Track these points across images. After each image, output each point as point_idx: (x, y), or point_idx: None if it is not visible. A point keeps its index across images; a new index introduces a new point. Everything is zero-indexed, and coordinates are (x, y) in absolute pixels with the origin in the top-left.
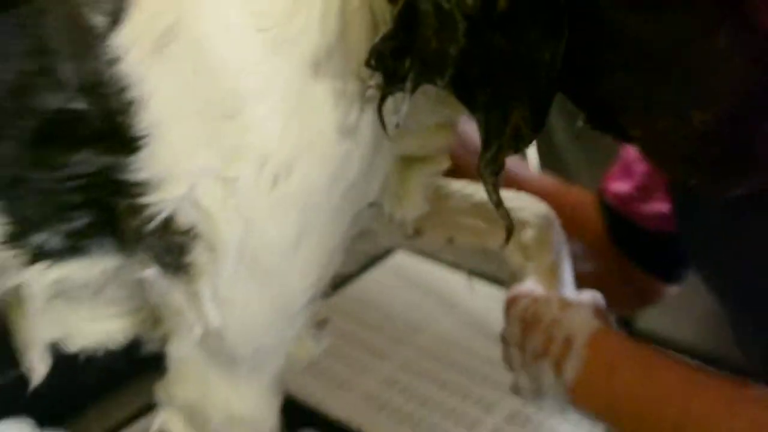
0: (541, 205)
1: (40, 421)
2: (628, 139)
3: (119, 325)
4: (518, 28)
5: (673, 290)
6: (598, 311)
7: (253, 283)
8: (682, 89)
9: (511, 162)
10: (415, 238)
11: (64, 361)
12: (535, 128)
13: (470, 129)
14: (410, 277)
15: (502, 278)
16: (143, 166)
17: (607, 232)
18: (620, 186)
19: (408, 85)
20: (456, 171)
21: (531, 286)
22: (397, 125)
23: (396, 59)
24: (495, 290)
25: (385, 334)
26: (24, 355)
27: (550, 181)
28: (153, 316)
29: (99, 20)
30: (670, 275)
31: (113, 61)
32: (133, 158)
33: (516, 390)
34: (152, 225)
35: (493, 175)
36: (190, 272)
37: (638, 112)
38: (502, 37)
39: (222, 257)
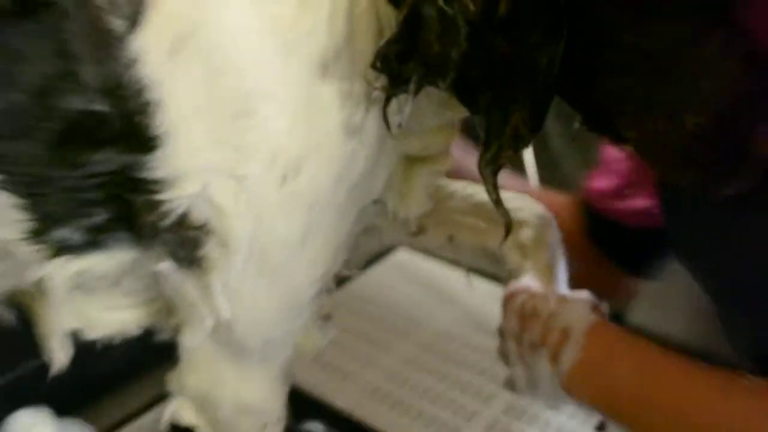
0: (538, 206)
1: (57, 410)
2: (624, 140)
3: (134, 316)
4: (518, 32)
5: (654, 284)
6: (594, 307)
7: (262, 277)
8: (675, 93)
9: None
10: (417, 235)
11: (80, 353)
12: (534, 129)
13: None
14: (412, 274)
15: (500, 276)
16: (160, 164)
17: (587, 233)
18: (603, 183)
19: (411, 87)
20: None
21: (528, 282)
22: (400, 125)
23: (400, 62)
24: (493, 287)
25: (387, 328)
26: (45, 344)
27: (526, 184)
28: (166, 307)
29: (118, 24)
30: (647, 271)
31: (131, 64)
32: (150, 157)
33: (510, 385)
34: (168, 220)
35: (493, 174)
36: (203, 266)
37: (633, 114)
38: (503, 42)
39: (233, 252)
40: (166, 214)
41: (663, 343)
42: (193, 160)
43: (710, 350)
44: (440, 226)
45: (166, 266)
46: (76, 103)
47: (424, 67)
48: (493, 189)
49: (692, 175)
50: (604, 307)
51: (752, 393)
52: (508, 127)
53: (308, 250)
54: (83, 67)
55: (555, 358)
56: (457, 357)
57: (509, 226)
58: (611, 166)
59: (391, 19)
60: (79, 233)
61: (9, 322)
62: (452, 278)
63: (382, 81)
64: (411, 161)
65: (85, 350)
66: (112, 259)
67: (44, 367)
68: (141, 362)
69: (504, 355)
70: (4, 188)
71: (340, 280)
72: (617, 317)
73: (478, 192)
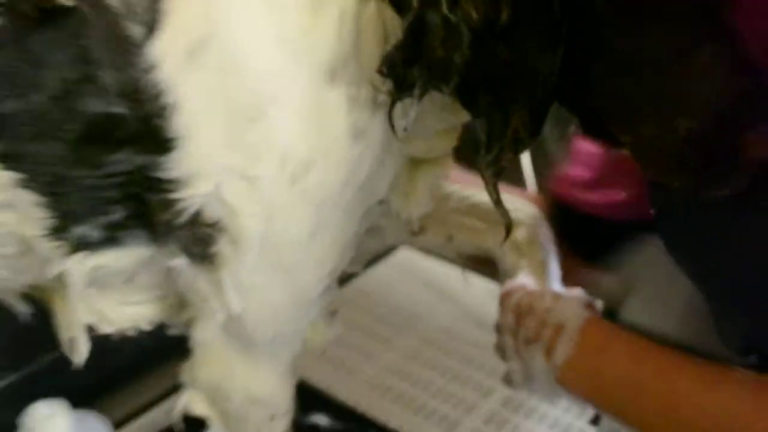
0: (532, 207)
1: (73, 402)
2: (619, 144)
3: (146, 311)
4: (519, 40)
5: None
6: (588, 304)
7: (272, 274)
8: (668, 99)
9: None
10: (417, 235)
11: (95, 346)
12: (534, 132)
13: None
14: (413, 272)
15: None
16: (175, 165)
17: (557, 230)
18: (576, 173)
19: (416, 91)
20: None
21: (524, 280)
22: (405, 129)
23: (406, 67)
24: (490, 285)
25: (389, 324)
26: (63, 338)
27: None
28: (178, 302)
29: (136, 30)
30: (608, 262)
31: (149, 69)
32: (166, 158)
33: (508, 381)
34: (182, 218)
35: (494, 176)
36: (215, 262)
37: (628, 119)
38: (504, 48)
39: (244, 249)
40: (180, 213)
41: (656, 340)
42: (207, 161)
43: (703, 348)
44: (439, 226)
45: (179, 262)
46: (96, 105)
47: (429, 72)
48: (494, 190)
49: (685, 177)
50: (599, 304)
51: (741, 386)
52: (509, 131)
53: (317, 248)
54: (103, 71)
55: (549, 353)
56: (457, 352)
57: (509, 226)
58: (583, 158)
59: (396, 26)
60: (97, 230)
61: (27, 317)
62: (452, 277)
63: (387, 86)
64: (415, 163)
65: (100, 344)
66: (128, 256)
67: (61, 361)
68: (154, 356)
69: (501, 351)
70: (27, 187)
71: (345, 278)
72: (611, 315)
73: (476, 194)
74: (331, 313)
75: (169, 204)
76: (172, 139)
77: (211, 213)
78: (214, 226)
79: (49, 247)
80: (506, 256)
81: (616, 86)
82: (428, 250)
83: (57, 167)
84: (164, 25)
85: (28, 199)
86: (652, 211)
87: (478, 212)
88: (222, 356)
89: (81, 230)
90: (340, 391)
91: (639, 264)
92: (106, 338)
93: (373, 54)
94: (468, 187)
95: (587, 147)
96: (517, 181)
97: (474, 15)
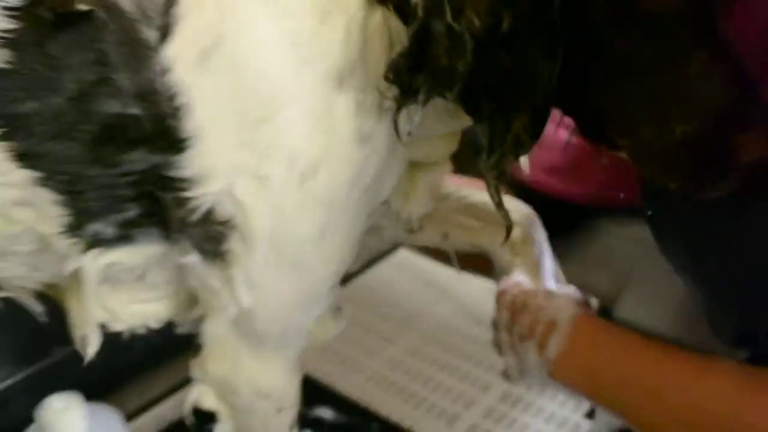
0: (526, 207)
1: (87, 395)
2: (616, 147)
3: (156, 308)
4: (520, 47)
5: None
6: (581, 302)
7: (281, 270)
8: (665, 104)
9: None
10: (415, 233)
11: (107, 342)
12: (534, 136)
13: None
14: (413, 272)
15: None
16: (188, 164)
17: None
18: (546, 157)
19: (421, 97)
20: None
21: (519, 278)
22: (410, 133)
23: (411, 74)
24: (488, 283)
25: (391, 321)
26: (76, 334)
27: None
28: (188, 299)
29: (150, 34)
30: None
31: (163, 72)
32: (179, 157)
33: (506, 376)
34: (195, 216)
35: (496, 178)
36: (227, 259)
37: (625, 123)
38: (506, 56)
39: (254, 246)
40: (193, 211)
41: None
42: (219, 161)
43: (694, 344)
44: (436, 225)
45: (191, 259)
46: (111, 107)
47: (433, 79)
48: (496, 193)
49: (681, 179)
50: (594, 303)
51: (730, 375)
52: (510, 135)
53: (325, 246)
54: (118, 74)
55: (542, 348)
56: (456, 348)
57: (510, 228)
58: (553, 143)
59: (401, 34)
60: (112, 227)
61: (42, 314)
62: (451, 276)
63: (393, 92)
64: (415, 165)
65: (112, 340)
66: (142, 252)
67: (74, 356)
68: (165, 351)
69: (497, 346)
70: (45, 185)
71: (347, 277)
72: (605, 312)
73: (472, 194)
74: (337, 309)
75: (182, 202)
76: (185, 139)
77: (223, 211)
78: (226, 224)
79: (65, 243)
80: (501, 255)
81: (613, 90)
82: (428, 250)
83: (74, 166)
84: (177, 29)
85: (46, 197)
86: (647, 212)
87: (474, 212)
88: (231, 351)
89: (96, 227)
90: (344, 386)
91: (633, 263)
92: (117, 335)
93: (379, 61)
94: (464, 187)
95: (554, 133)
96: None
97: (477, 23)
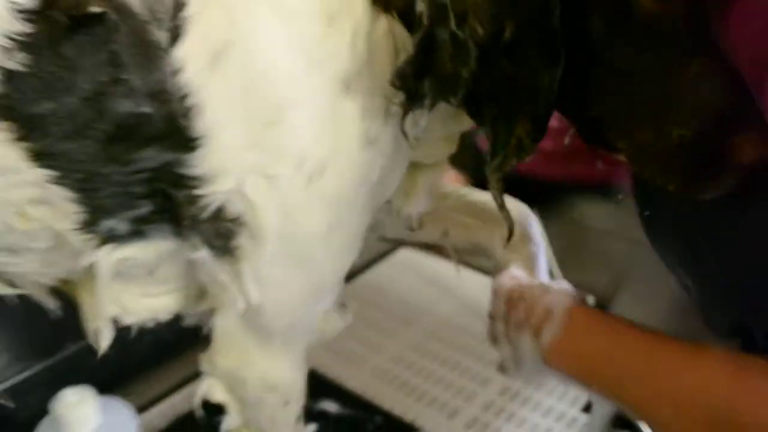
0: (522, 205)
1: (99, 388)
2: (615, 149)
3: (166, 302)
4: (522, 55)
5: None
6: (575, 295)
7: (289, 266)
8: (662, 109)
9: None
10: (415, 230)
11: (119, 336)
12: (536, 139)
13: None
14: (415, 269)
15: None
16: (199, 162)
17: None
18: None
19: (427, 102)
20: None
21: (515, 272)
22: (416, 138)
23: (417, 80)
24: (488, 280)
25: (394, 317)
26: (89, 329)
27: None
28: (197, 293)
29: (161, 35)
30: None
31: (175, 72)
32: (190, 155)
33: (501, 368)
34: (205, 213)
35: (499, 180)
36: (236, 255)
37: (623, 127)
38: (508, 63)
39: (263, 243)
40: (204, 208)
41: None
42: (229, 160)
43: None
44: (436, 223)
45: (202, 255)
46: (125, 106)
47: (438, 85)
48: (499, 195)
49: (679, 181)
50: (590, 300)
51: (721, 361)
52: (513, 138)
53: (331, 243)
54: (131, 74)
55: (537, 335)
56: (457, 344)
57: (512, 228)
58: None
59: (406, 42)
60: (125, 224)
61: (55, 310)
62: (452, 273)
63: (400, 97)
64: (416, 166)
65: (123, 334)
66: (153, 248)
67: (87, 350)
68: (175, 345)
69: (492, 337)
70: (61, 183)
71: (351, 275)
72: (600, 309)
73: (470, 193)
74: (341, 306)
75: (194, 200)
76: (196, 138)
77: (233, 209)
78: (236, 221)
79: (80, 240)
80: (498, 251)
81: (611, 95)
82: (428, 248)
83: (89, 164)
84: (187, 31)
85: (62, 194)
86: (643, 213)
87: (472, 210)
88: (240, 345)
89: (110, 224)
90: (348, 380)
91: (629, 263)
92: (128, 328)
93: (384, 67)
94: (462, 186)
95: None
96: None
97: (480, 31)
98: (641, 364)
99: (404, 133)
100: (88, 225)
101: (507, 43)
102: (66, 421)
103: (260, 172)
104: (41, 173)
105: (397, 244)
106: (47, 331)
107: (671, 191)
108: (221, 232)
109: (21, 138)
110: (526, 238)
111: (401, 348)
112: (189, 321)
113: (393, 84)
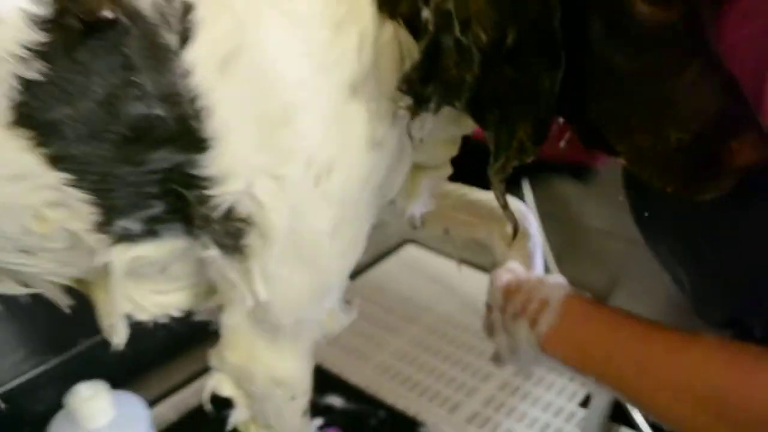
0: (520, 203)
1: (112, 383)
2: (614, 152)
3: (177, 299)
4: (523, 60)
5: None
6: (572, 289)
7: (297, 264)
8: (660, 113)
9: None
10: (418, 228)
11: (131, 332)
12: (537, 142)
13: None
14: (418, 267)
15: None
16: (210, 163)
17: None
18: None
19: (432, 106)
20: None
21: (513, 266)
22: (421, 140)
23: (423, 85)
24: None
25: (397, 314)
26: (105, 325)
27: None
28: (206, 290)
29: (171, 39)
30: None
31: (185, 75)
32: (202, 156)
33: (496, 358)
34: (216, 213)
35: (501, 182)
36: (245, 253)
37: (622, 131)
38: (510, 68)
39: (272, 241)
40: (214, 208)
41: None
42: (239, 161)
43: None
44: (437, 221)
45: (212, 253)
46: (137, 108)
47: (443, 90)
48: (501, 195)
49: (677, 183)
50: (586, 296)
51: (713, 348)
52: (515, 141)
53: (338, 241)
54: (143, 77)
55: (534, 324)
56: (459, 340)
57: (516, 227)
58: None
59: (411, 48)
60: (138, 223)
61: (69, 307)
62: (454, 271)
63: (406, 101)
64: (418, 168)
65: (136, 332)
66: (165, 247)
67: (101, 346)
68: (185, 341)
69: (489, 327)
70: (77, 186)
71: (356, 272)
72: None
73: (470, 192)
74: (346, 303)
75: (205, 200)
76: (207, 140)
77: (243, 209)
78: (245, 220)
79: (94, 240)
80: (497, 247)
81: (610, 99)
82: (432, 246)
83: (103, 166)
84: (197, 34)
85: (78, 196)
86: (641, 214)
87: (472, 209)
88: (248, 341)
89: (124, 224)
90: (353, 375)
91: (625, 262)
92: (140, 325)
93: (390, 72)
94: (462, 186)
95: None
96: None
97: (483, 37)
98: (637, 350)
99: (410, 136)
100: (103, 225)
101: (509, 49)
102: (80, 414)
103: (269, 173)
104: (59, 176)
105: (402, 241)
106: (62, 327)
107: (670, 193)
108: (231, 232)
109: (40, 144)
110: (524, 234)
111: (404, 344)
112: (199, 317)
113: (400, 88)
